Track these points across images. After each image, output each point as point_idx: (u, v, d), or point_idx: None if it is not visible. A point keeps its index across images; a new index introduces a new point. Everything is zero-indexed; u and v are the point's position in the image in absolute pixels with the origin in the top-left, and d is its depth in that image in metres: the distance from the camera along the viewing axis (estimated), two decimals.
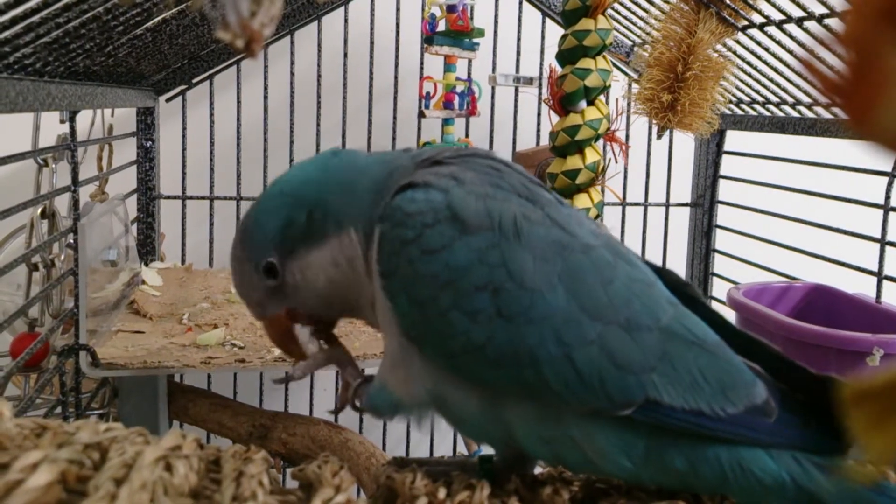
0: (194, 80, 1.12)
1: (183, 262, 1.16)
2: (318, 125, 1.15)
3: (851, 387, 0.17)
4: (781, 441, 0.38)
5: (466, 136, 1.16)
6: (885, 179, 0.86)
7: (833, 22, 0.78)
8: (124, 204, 0.98)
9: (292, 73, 1.14)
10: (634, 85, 1.01)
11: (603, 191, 0.89)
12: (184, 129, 1.14)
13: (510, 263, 0.38)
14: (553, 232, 0.39)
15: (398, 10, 1.14)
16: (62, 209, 0.85)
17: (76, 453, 0.32)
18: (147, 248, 1.14)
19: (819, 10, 0.78)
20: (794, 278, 1.02)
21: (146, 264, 1.10)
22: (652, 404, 0.37)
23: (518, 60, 1.18)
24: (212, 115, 1.13)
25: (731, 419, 0.37)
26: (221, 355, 0.78)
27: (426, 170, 0.43)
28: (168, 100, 1.13)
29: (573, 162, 0.85)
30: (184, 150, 1.14)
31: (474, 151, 0.45)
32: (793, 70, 0.90)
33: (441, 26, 1.05)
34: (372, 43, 1.14)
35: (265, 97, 1.14)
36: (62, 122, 0.77)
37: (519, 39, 1.18)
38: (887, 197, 0.86)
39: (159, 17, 0.65)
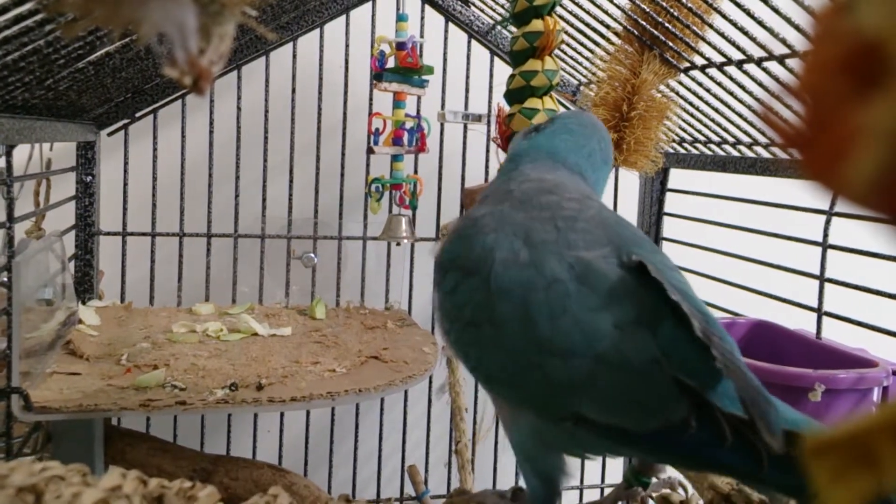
0: (137, 114, 1.09)
1: (122, 300, 1.12)
2: (265, 160, 1.14)
3: (813, 439, 0.17)
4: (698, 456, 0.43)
5: (416, 172, 1.16)
6: (824, 218, 0.89)
7: (772, 65, 0.80)
8: (62, 240, 0.95)
9: (239, 108, 1.12)
10: None
11: None
12: (125, 163, 1.11)
13: (486, 303, 0.48)
14: (523, 273, 0.47)
15: (347, 46, 1.14)
16: None
17: (9, 498, 0.30)
18: (85, 286, 1.10)
19: (758, 53, 0.81)
20: (737, 314, 1.04)
21: (83, 303, 1.06)
22: (581, 418, 0.45)
23: (467, 97, 1.19)
24: (155, 149, 1.11)
25: (648, 434, 0.43)
26: (161, 397, 0.75)
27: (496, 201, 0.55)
28: (110, 134, 1.10)
29: None
30: (125, 185, 1.11)
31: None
32: (733, 111, 0.93)
33: (390, 63, 1.05)
34: (321, 79, 1.14)
35: (211, 132, 1.12)
36: None
37: (468, 77, 1.19)
38: (825, 235, 0.89)
39: (103, 51, 0.64)
